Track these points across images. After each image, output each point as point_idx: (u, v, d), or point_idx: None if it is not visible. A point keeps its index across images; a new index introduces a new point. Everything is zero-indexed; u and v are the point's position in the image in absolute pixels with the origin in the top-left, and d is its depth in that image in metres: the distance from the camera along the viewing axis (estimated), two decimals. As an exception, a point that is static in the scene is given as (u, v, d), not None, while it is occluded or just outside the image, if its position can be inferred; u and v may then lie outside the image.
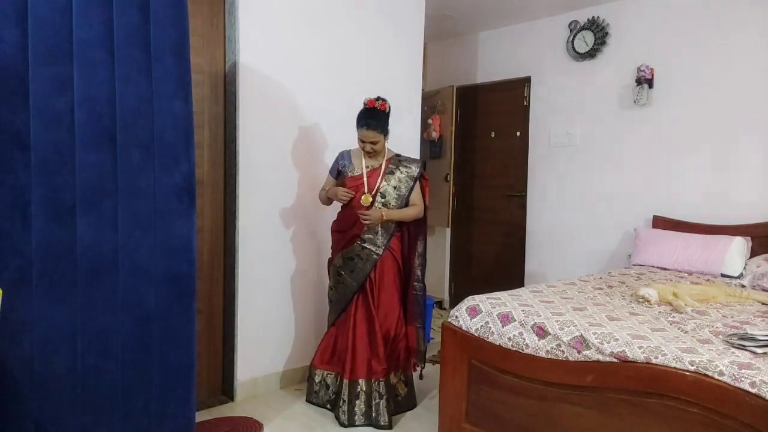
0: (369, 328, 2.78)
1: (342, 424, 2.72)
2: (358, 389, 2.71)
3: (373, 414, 2.71)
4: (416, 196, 2.87)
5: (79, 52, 1.76)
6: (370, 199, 2.78)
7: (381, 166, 2.83)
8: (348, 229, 2.85)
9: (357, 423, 2.70)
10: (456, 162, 5.14)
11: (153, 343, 1.96)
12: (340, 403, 2.74)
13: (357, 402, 2.71)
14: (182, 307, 2.02)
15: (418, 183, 2.87)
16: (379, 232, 2.81)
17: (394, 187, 2.82)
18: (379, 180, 2.81)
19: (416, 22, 3.84)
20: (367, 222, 2.73)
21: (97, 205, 1.82)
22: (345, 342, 2.80)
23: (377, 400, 2.71)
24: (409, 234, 2.94)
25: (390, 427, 2.69)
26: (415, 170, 2.86)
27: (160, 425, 2.00)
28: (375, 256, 2.80)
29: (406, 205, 2.84)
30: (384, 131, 2.77)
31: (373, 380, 2.72)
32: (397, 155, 2.91)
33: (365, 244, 2.81)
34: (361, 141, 2.77)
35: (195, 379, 2.10)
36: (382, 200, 2.80)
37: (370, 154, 2.81)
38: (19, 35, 1.67)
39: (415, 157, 3.00)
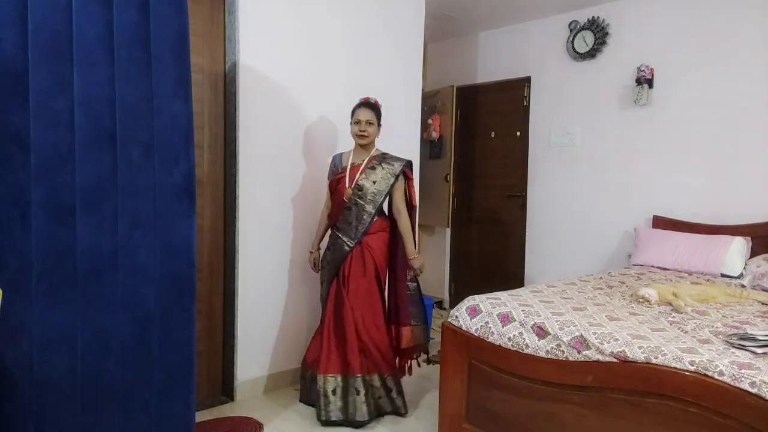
0: (338, 322, 2.75)
1: (319, 419, 2.71)
2: (334, 385, 2.70)
3: (350, 410, 2.68)
4: (399, 197, 2.83)
5: (79, 52, 1.76)
6: (350, 193, 2.80)
7: (364, 161, 2.84)
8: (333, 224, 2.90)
9: (332, 419, 2.69)
10: (456, 162, 5.14)
11: (153, 343, 1.96)
12: (317, 398, 2.74)
13: (333, 398, 2.69)
14: (182, 307, 2.02)
15: (401, 183, 2.84)
16: (353, 223, 2.79)
17: (373, 182, 2.79)
18: (358, 174, 2.81)
19: (416, 22, 3.84)
20: (421, 269, 2.87)
21: (97, 205, 1.82)
22: (319, 336, 2.81)
23: (353, 396, 2.68)
24: (397, 234, 2.90)
25: (363, 425, 2.65)
26: (397, 167, 2.83)
27: (159, 425, 2.00)
28: (346, 248, 2.79)
29: (382, 202, 2.81)
30: (378, 119, 2.84)
31: (349, 376, 2.69)
32: (384, 153, 2.90)
33: (339, 233, 2.82)
34: (356, 124, 2.81)
35: (195, 379, 2.09)
36: (359, 192, 2.79)
37: (362, 138, 2.81)
38: (19, 35, 1.67)
39: (405, 157, 2.95)
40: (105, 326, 1.86)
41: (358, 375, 2.69)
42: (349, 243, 2.79)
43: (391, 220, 2.91)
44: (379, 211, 2.84)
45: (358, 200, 2.78)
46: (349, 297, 2.76)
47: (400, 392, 2.85)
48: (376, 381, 2.76)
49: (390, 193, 2.82)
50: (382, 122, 2.91)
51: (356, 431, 2.69)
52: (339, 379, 2.70)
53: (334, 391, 2.69)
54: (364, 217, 2.78)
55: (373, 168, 2.82)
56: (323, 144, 3.32)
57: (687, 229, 3.73)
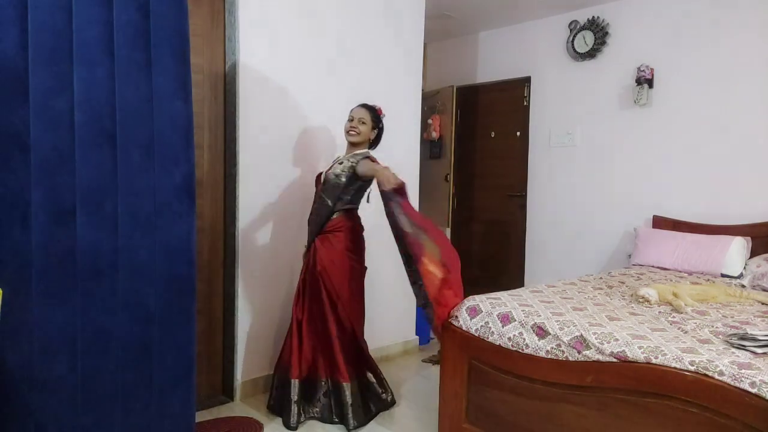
0: (297, 326, 2.75)
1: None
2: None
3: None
4: (368, 168, 2.65)
5: (79, 52, 1.76)
6: (319, 188, 2.82)
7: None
8: None
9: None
10: (456, 162, 5.14)
11: (153, 344, 1.96)
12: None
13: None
14: (182, 308, 2.02)
15: (362, 161, 2.68)
16: (316, 219, 2.78)
17: (336, 175, 2.75)
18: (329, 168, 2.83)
19: (416, 22, 3.84)
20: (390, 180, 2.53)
21: (97, 205, 1.82)
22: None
23: (287, 397, 2.69)
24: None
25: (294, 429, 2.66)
26: (359, 157, 2.73)
27: (160, 425, 2.00)
28: (308, 242, 2.83)
29: (340, 196, 2.71)
30: (373, 122, 2.81)
31: (289, 377, 2.70)
32: (359, 152, 2.80)
33: (309, 227, 2.85)
34: (349, 121, 2.81)
35: (195, 380, 2.09)
36: (324, 186, 2.79)
37: (352, 135, 2.78)
38: (19, 35, 1.67)
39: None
40: (105, 326, 1.86)
41: (295, 378, 2.69)
42: (310, 237, 2.81)
43: (352, 220, 2.81)
44: (339, 206, 2.73)
45: (322, 194, 2.78)
46: (305, 302, 2.74)
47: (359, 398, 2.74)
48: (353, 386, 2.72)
49: (355, 175, 2.69)
50: (382, 135, 2.89)
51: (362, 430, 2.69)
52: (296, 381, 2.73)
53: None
54: (323, 210, 2.75)
55: (341, 162, 2.80)
56: (323, 144, 3.32)
57: (687, 229, 3.73)
